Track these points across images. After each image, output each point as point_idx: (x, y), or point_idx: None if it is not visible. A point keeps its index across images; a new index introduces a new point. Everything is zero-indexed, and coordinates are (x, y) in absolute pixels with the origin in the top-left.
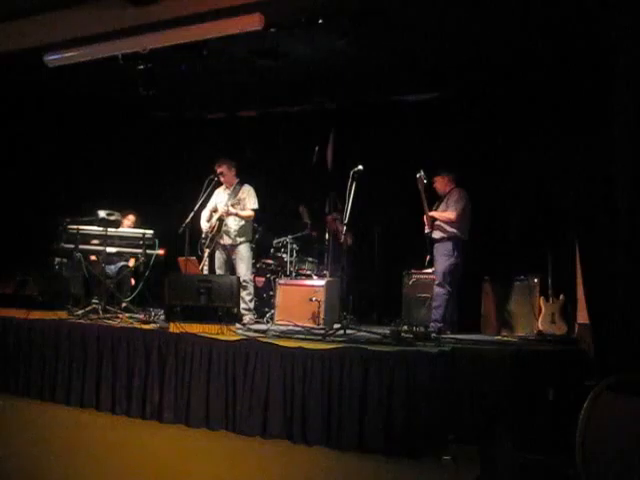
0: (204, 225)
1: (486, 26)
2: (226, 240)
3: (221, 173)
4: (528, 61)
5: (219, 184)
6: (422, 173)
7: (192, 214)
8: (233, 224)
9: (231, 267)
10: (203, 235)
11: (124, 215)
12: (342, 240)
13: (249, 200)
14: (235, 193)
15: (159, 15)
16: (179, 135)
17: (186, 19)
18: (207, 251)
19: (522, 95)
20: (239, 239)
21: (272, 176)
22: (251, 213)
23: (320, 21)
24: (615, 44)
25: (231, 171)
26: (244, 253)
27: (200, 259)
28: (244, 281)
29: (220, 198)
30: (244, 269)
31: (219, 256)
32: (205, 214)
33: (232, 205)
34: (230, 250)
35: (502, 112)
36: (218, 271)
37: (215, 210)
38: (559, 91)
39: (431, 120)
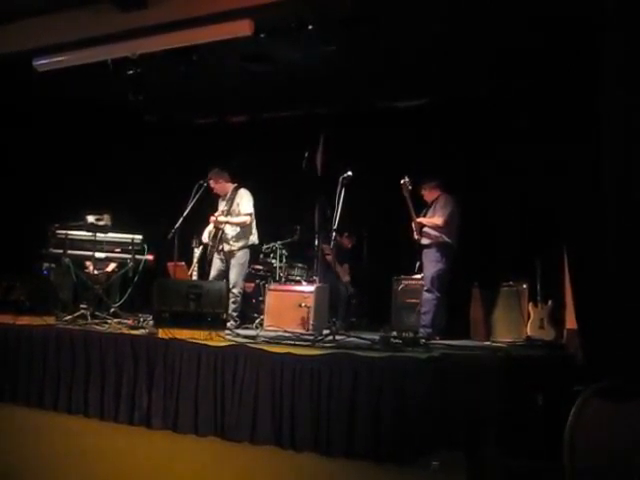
0: (206, 234)
1: (475, 33)
2: (225, 247)
3: (213, 185)
4: (516, 67)
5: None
6: (407, 179)
7: (181, 219)
8: (230, 231)
9: (227, 274)
10: (193, 243)
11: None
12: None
13: (242, 205)
14: (231, 200)
15: (148, 20)
16: (168, 140)
17: (176, 24)
18: (197, 256)
19: (510, 101)
20: (236, 245)
21: (261, 181)
22: (245, 218)
23: (310, 27)
24: (603, 39)
25: (219, 182)
26: (239, 259)
27: (189, 264)
28: (233, 286)
29: (220, 207)
30: (234, 275)
31: (216, 262)
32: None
33: (229, 212)
34: (228, 256)
35: (490, 119)
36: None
37: None
38: (546, 97)
39: (420, 126)
